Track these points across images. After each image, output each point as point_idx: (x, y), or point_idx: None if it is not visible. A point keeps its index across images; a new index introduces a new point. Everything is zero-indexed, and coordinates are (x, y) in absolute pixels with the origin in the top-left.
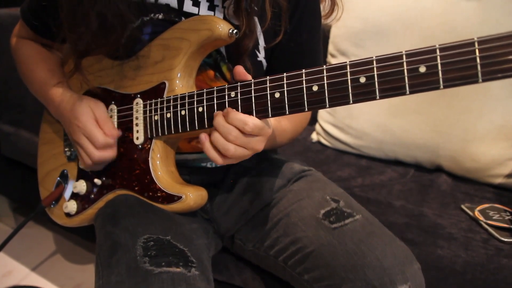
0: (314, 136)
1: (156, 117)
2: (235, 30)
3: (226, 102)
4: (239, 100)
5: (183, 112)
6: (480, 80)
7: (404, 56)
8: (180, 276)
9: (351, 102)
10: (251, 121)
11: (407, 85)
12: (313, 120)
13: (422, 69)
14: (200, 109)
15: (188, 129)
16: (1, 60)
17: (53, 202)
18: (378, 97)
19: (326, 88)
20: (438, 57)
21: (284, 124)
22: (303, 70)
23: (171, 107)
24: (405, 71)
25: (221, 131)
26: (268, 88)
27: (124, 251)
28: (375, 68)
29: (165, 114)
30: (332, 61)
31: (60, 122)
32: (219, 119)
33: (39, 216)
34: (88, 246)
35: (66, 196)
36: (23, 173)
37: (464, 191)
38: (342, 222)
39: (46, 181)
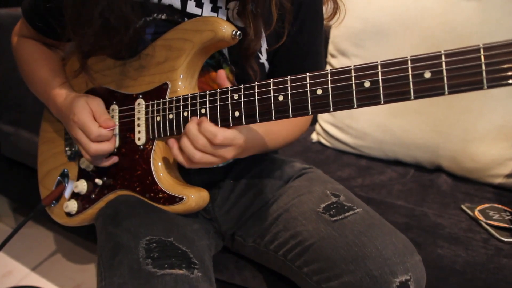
0: (314, 136)
1: (158, 118)
2: (239, 32)
3: (229, 104)
4: (242, 102)
5: (185, 114)
6: (485, 86)
7: (409, 61)
8: (183, 278)
9: (355, 106)
10: (221, 134)
11: (411, 90)
12: (313, 120)
13: (427, 74)
14: (203, 110)
15: None
16: (1, 60)
17: (54, 202)
18: (382, 102)
19: (330, 92)
20: (443, 63)
21: (275, 129)
22: (307, 74)
23: (174, 108)
24: (410, 76)
25: (191, 138)
26: (272, 91)
27: (127, 252)
28: (380, 73)
29: (167, 115)
30: (332, 61)
31: (60, 121)
32: (191, 126)
33: (39, 216)
34: (88, 246)
35: (67, 196)
36: (23, 173)
37: (464, 191)
38: (343, 215)
39: (47, 180)
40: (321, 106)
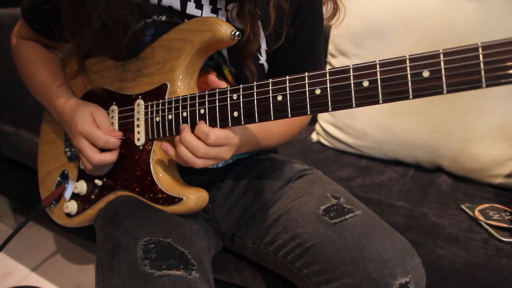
0: (314, 136)
1: (157, 119)
2: (238, 32)
3: (228, 104)
4: (241, 102)
5: (184, 114)
6: (484, 85)
7: (407, 61)
8: (181, 279)
9: (354, 106)
10: (213, 133)
11: (410, 89)
12: (313, 120)
13: (426, 73)
14: (202, 111)
15: None
16: (1, 60)
17: (54, 202)
18: (381, 101)
19: (329, 91)
20: (442, 62)
21: (270, 128)
22: (306, 74)
23: (173, 108)
24: (409, 75)
25: (190, 148)
26: (270, 91)
27: (125, 253)
28: (378, 72)
29: (166, 116)
30: (332, 61)
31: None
32: (186, 135)
33: (39, 216)
34: (88, 246)
35: (67, 196)
36: (23, 173)
37: (464, 191)
38: (342, 217)
39: (47, 181)
40: (320, 105)
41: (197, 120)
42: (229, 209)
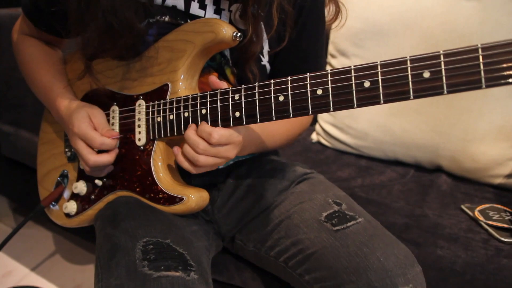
0: (314, 136)
1: (158, 119)
2: (239, 34)
3: (230, 105)
4: (243, 103)
5: (186, 114)
6: (484, 86)
7: (408, 61)
8: (179, 280)
9: (355, 106)
10: (216, 132)
11: (411, 90)
12: (313, 120)
13: (426, 74)
14: (204, 111)
15: None
16: (1, 60)
17: (53, 203)
18: (382, 102)
19: (330, 92)
20: (442, 63)
21: (273, 129)
22: (308, 74)
23: (174, 109)
24: (410, 76)
25: (191, 144)
26: (272, 91)
27: (124, 254)
28: (379, 73)
29: (168, 116)
30: (332, 61)
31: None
32: (189, 132)
33: (39, 216)
34: (88, 246)
35: (66, 197)
36: (23, 173)
37: (464, 191)
38: (345, 225)
39: (46, 181)
40: (321, 106)
41: (199, 120)
42: (229, 211)
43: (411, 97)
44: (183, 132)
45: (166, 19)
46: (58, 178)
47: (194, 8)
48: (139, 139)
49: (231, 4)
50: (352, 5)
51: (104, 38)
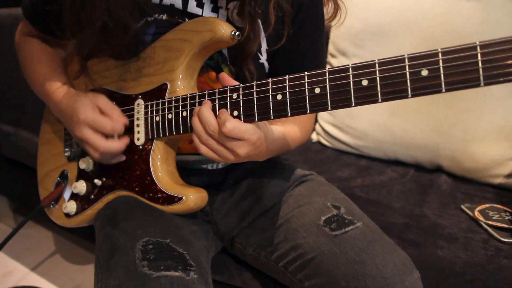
0: (314, 136)
1: (157, 118)
2: (237, 32)
3: (228, 104)
4: (241, 101)
5: (184, 113)
6: (482, 84)
7: (406, 60)
8: (179, 280)
9: (353, 104)
10: (231, 123)
11: (409, 88)
12: None
13: (424, 72)
14: None
15: (189, 130)
16: (1, 60)
17: (53, 202)
18: (380, 100)
19: (328, 90)
20: (440, 61)
21: (294, 132)
22: (306, 73)
23: (173, 108)
24: (407, 74)
25: (202, 120)
26: (270, 90)
27: (123, 254)
28: (377, 71)
29: (166, 115)
30: (332, 61)
31: (61, 121)
32: (204, 108)
33: (39, 216)
34: (88, 246)
35: (66, 197)
36: (23, 173)
37: (464, 191)
38: (343, 230)
39: (46, 181)
40: (319, 104)
41: None
42: (227, 212)
43: (409, 95)
44: (181, 132)
45: (164, 17)
46: (58, 178)
47: (192, 6)
48: (138, 139)
49: (229, 2)
50: (352, 5)
51: (99, 38)
